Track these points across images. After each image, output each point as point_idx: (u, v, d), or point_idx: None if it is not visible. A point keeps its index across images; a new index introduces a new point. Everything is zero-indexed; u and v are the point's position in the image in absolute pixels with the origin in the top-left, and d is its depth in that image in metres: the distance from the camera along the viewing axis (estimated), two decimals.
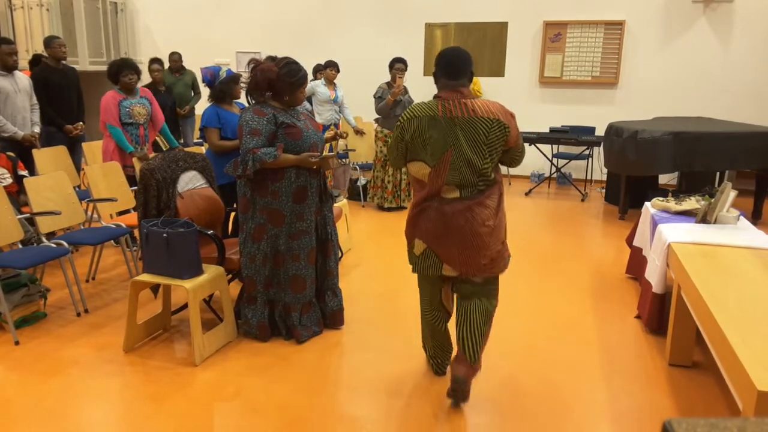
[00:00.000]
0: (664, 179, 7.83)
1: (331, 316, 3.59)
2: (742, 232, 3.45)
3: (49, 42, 5.59)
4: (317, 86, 6.73)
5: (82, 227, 4.47)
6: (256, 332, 3.43)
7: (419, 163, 2.68)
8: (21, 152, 5.03)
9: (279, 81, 3.25)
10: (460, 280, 2.81)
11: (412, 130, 2.65)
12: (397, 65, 6.28)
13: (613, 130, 6.17)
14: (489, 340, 3.30)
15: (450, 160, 2.61)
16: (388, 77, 6.46)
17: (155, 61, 6.90)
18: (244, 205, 3.34)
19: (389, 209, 6.62)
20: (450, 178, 2.62)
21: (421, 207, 2.72)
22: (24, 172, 4.55)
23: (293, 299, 3.39)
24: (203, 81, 4.17)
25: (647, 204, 4.27)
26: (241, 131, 3.23)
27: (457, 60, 2.66)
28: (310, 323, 3.48)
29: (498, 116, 2.61)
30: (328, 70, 6.73)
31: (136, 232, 4.40)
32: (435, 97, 2.69)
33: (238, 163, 3.22)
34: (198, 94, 7.89)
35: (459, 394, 2.73)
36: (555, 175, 8.19)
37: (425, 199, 2.70)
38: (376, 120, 6.62)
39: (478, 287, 2.79)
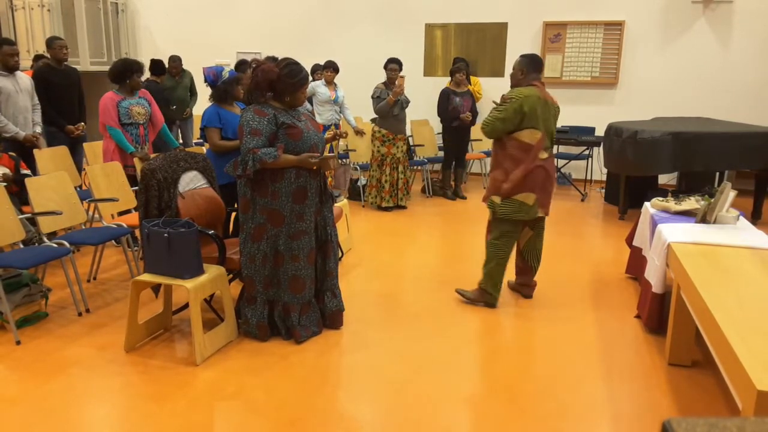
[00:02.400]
0: (663, 179, 7.84)
1: (330, 317, 3.59)
2: (741, 232, 3.46)
3: (50, 42, 5.60)
4: (318, 87, 6.74)
5: (83, 227, 4.48)
6: (256, 332, 3.44)
7: (531, 129, 3.66)
8: (22, 152, 5.04)
9: (280, 82, 3.25)
10: (536, 218, 3.92)
11: (529, 104, 3.62)
12: (391, 65, 6.32)
13: (613, 130, 6.18)
14: (490, 345, 3.49)
15: (546, 129, 3.71)
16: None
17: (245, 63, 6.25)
18: (244, 205, 3.35)
19: (386, 209, 6.62)
20: (545, 143, 3.74)
21: (531, 168, 3.70)
22: (26, 171, 4.56)
23: (292, 299, 3.40)
24: (205, 80, 4.16)
25: (647, 204, 4.28)
26: (242, 131, 3.23)
27: (540, 61, 3.77)
28: (309, 323, 3.48)
29: (558, 105, 3.84)
30: (324, 71, 6.74)
31: (137, 232, 4.40)
32: (531, 84, 3.69)
33: (238, 163, 3.23)
34: (195, 95, 7.89)
35: (530, 296, 4.14)
36: (555, 175, 8.20)
37: (532, 161, 3.68)
38: (373, 120, 6.64)
39: (541, 221, 3.99)
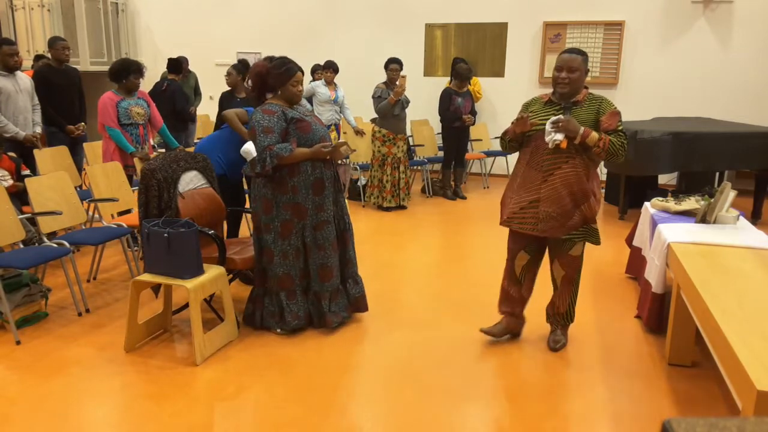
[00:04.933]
0: (663, 179, 7.83)
1: (354, 303, 3.67)
2: (741, 232, 3.45)
3: (53, 43, 5.61)
4: (318, 87, 6.74)
5: (83, 227, 4.48)
6: (304, 323, 3.51)
7: None
8: (22, 152, 5.04)
9: (269, 74, 3.36)
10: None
11: None
12: (392, 65, 6.33)
13: None
14: (490, 345, 3.49)
15: None
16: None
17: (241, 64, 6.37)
18: (266, 206, 3.40)
19: (388, 209, 6.63)
20: None
21: None
22: (26, 172, 4.56)
23: (322, 288, 3.48)
24: None
25: (647, 204, 4.27)
26: (254, 132, 3.31)
27: None
28: (339, 309, 3.56)
29: None
30: (324, 71, 6.75)
31: (137, 232, 4.40)
32: (586, 88, 3.20)
33: (256, 162, 3.30)
34: (200, 95, 7.90)
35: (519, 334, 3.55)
36: None
37: None
38: (374, 120, 6.64)
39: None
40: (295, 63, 3.42)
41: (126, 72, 4.90)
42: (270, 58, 3.51)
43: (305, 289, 3.53)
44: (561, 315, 3.38)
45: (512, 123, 3.14)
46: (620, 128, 3.06)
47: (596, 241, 3.19)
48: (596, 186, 3.14)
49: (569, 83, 3.05)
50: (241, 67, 5.94)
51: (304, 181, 3.35)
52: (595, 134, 2.99)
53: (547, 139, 3.01)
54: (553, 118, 2.99)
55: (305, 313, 3.53)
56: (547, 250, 3.32)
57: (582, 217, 3.10)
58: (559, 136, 2.98)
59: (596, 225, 3.16)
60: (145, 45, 9.81)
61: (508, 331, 3.46)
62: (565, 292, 3.32)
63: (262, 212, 3.42)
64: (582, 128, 2.98)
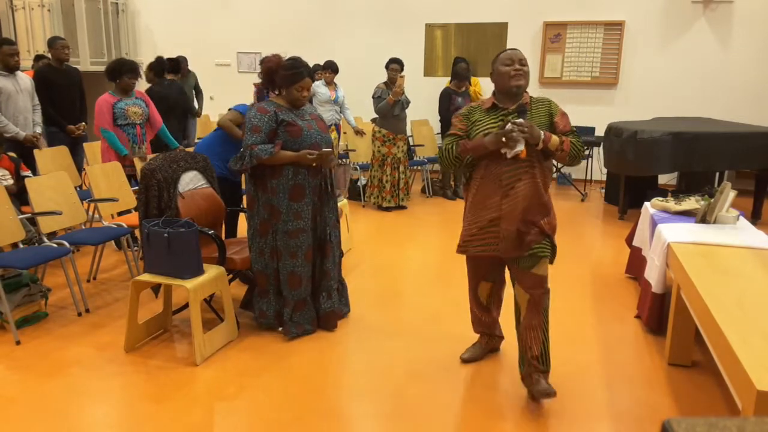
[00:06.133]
0: (663, 179, 7.83)
1: (324, 318, 3.59)
2: (741, 232, 3.45)
3: (52, 42, 5.61)
4: (317, 87, 6.74)
5: (83, 227, 4.48)
6: (274, 322, 3.52)
7: None
8: (23, 152, 5.04)
9: (277, 72, 3.35)
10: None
11: None
12: (392, 65, 6.33)
13: (613, 130, 6.17)
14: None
15: None
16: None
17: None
18: (250, 202, 3.44)
19: (387, 209, 6.62)
20: None
21: None
22: (27, 173, 4.56)
23: (289, 294, 3.46)
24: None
25: (647, 204, 4.27)
26: (245, 128, 3.34)
27: None
28: (303, 321, 3.51)
29: None
30: (323, 71, 6.75)
31: (137, 232, 4.40)
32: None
33: (239, 158, 3.32)
34: (201, 94, 7.91)
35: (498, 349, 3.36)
36: (555, 175, 8.20)
37: None
38: (374, 120, 6.64)
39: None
40: (306, 68, 3.35)
41: (119, 72, 4.89)
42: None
43: (278, 290, 3.51)
44: (536, 358, 2.81)
45: (479, 140, 2.70)
46: (573, 129, 2.79)
47: (553, 259, 2.88)
48: (549, 198, 2.87)
49: (524, 75, 2.70)
50: (155, 64, 6.33)
51: (283, 184, 3.32)
52: (555, 137, 2.67)
53: (505, 149, 2.64)
54: (511, 124, 2.61)
55: (274, 313, 3.52)
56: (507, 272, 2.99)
57: (540, 231, 2.79)
58: (520, 146, 2.60)
59: (554, 241, 2.86)
60: (145, 45, 9.81)
61: (489, 348, 3.29)
62: (534, 324, 2.80)
63: (248, 207, 3.48)
64: (542, 132, 2.64)
